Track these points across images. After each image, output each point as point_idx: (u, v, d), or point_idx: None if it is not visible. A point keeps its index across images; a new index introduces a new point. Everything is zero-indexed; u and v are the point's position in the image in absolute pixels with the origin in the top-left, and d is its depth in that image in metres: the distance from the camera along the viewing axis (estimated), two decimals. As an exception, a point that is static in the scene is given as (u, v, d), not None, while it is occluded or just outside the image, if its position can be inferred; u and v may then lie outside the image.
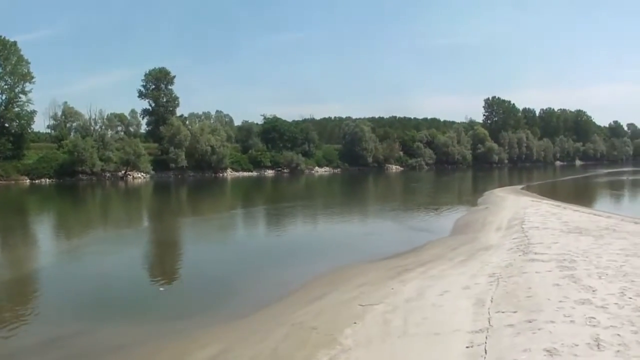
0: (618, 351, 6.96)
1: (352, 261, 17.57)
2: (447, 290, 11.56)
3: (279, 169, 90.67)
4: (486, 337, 7.98)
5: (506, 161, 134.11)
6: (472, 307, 9.78)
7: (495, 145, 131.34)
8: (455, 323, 8.99)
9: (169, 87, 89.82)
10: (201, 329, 10.91)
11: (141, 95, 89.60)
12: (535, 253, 14.38)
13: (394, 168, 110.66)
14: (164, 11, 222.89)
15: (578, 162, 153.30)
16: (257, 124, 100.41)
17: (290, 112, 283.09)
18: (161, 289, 15.35)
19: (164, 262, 20.55)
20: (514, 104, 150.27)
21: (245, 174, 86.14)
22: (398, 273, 14.61)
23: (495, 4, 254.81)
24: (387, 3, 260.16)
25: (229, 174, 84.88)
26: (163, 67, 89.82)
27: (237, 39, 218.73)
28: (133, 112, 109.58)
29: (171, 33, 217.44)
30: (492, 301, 9.92)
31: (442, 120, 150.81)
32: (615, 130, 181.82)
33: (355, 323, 9.86)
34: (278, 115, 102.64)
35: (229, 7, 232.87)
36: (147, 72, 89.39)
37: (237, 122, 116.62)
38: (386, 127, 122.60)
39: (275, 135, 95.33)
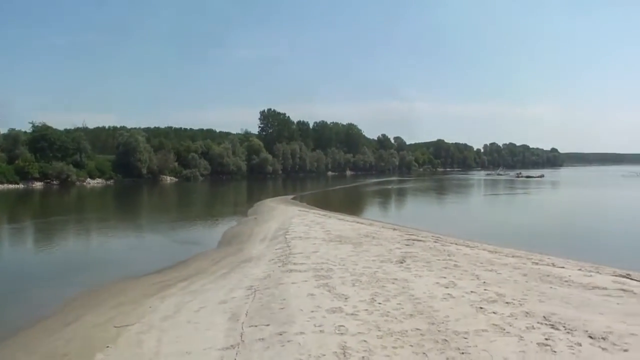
0: (363, 357, 7.22)
1: (113, 279, 16.61)
2: (204, 305, 11.27)
3: (48, 180, 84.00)
4: (236, 354, 7.81)
5: (280, 172, 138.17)
6: (226, 323, 9.59)
7: (270, 156, 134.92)
8: (208, 340, 8.72)
9: None
10: None
11: None
12: (294, 263, 14.68)
13: (169, 179, 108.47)
14: None
15: (349, 173, 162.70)
16: (25, 132, 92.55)
17: (62, 120, 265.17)
18: None
19: None
20: (289, 117, 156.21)
21: (11, 186, 78.48)
22: (158, 289, 14.05)
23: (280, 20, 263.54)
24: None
25: (-11, 187, 76.66)
26: None
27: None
28: None
29: None
30: (246, 315, 9.82)
31: (217, 131, 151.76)
32: (383, 142, 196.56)
33: (108, 347, 9.16)
34: (48, 124, 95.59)
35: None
36: None
37: (3, 130, 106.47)
38: (161, 138, 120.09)
39: (45, 144, 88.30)
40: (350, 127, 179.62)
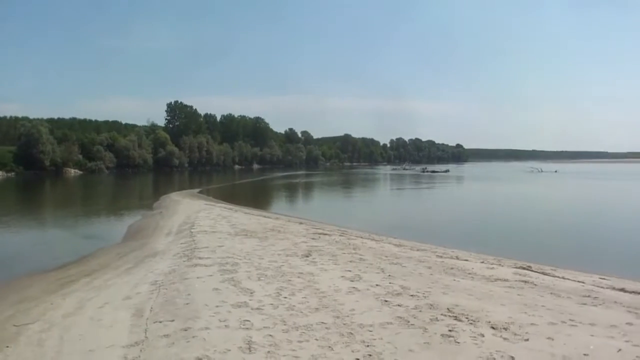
0: (269, 352, 7.17)
1: (13, 275, 15.75)
2: (108, 301, 10.88)
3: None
4: (141, 351, 7.59)
5: (187, 165, 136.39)
6: (130, 319, 9.31)
7: (176, 149, 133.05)
8: (112, 337, 8.41)
9: None
10: None
11: None
12: (200, 258, 14.44)
13: (73, 172, 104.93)
14: None
15: (256, 166, 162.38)
16: None
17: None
18: None
19: None
20: (196, 109, 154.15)
21: None
22: (61, 285, 13.45)
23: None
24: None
25: None
26: None
27: None
28: None
29: None
30: (151, 311, 9.57)
31: (123, 123, 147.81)
32: (290, 136, 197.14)
33: (7, 347, 8.69)
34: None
35: None
36: None
37: None
38: (65, 129, 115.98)
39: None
40: (258, 120, 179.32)
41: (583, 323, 8.67)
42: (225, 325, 8.29)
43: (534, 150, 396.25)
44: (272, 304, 9.44)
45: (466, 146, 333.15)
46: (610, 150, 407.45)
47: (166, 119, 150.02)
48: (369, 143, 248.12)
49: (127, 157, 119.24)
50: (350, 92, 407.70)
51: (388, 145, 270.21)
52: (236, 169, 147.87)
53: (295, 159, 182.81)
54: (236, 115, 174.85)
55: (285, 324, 8.30)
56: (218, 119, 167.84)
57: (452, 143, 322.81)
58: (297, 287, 10.79)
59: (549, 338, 7.76)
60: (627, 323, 8.81)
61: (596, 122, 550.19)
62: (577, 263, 16.87)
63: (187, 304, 9.73)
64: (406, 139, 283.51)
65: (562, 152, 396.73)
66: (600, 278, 14.00)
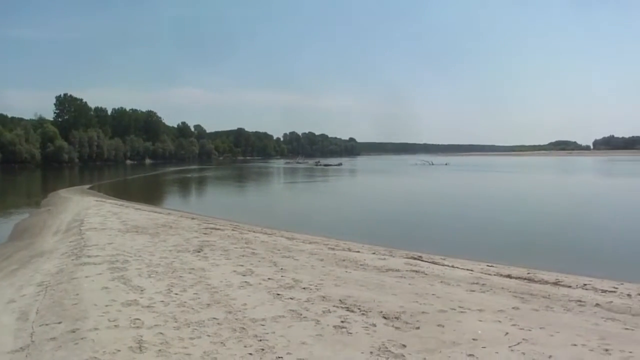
0: (160, 350, 7.00)
1: None
2: (-10, 306, 10.32)
3: None
4: (26, 356, 7.22)
5: (77, 160, 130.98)
6: (15, 323, 8.82)
7: (65, 144, 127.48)
8: (-5, 343, 7.99)
9: None
10: None
11: None
12: (89, 256, 13.87)
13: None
14: None
15: (148, 161, 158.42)
16: None
17: None
18: None
19: None
20: (86, 102, 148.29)
21: None
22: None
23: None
24: None
25: None
26: None
27: None
28: None
29: None
30: (37, 313, 9.13)
31: (9, 116, 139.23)
32: (183, 130, 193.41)
33: None
34: None
35: None
36: None
37: None
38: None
39: None
40: (150, 114, 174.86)
41: (472, 309, 9.05)
42: (115, 325, 8.03)
43: (425, 144, 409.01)
44: (163, 301, 9.23)
45: (359, 140, 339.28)
46: (498, 144, 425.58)
47: (55, 113, 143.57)
48: (263, 137, 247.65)
49: (13, 152, 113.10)
50: (247, 85, 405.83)
51: (282, 139, 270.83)
52: (128, 164, 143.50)
53: (188, 153, 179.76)
54: (128, 109, 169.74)
55: (176, 321, 8.14)
56: (109, 112, 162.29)
57: (345, 137, 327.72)
58: (188, 283, 10.61)
59: (439, 325, 8.03)
60: (513, 307, 9.31)
61: (489, 119, 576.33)
62: (465, 252, 17.57)
63: (75, 304, 9.34)
64: (299, 133, 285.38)
65: (453, 145, 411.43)
66: (487, 265, 14.72)
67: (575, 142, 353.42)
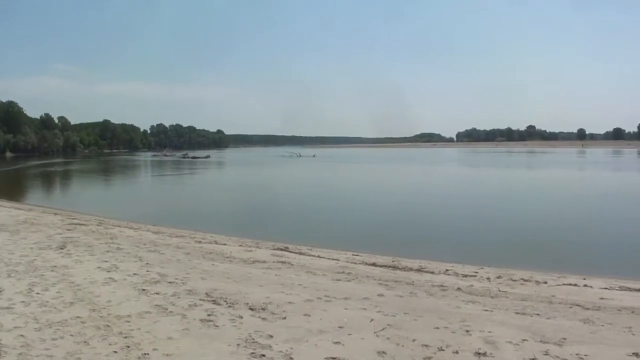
0: (20, 354, 6.60)
1: None
2: None
3: None
4: None
5: None
6: None
7: None
8: None
9: None
10: None
11: None
12: None
13: None
14: None
15: (9, 154, 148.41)
16: None
17: None
18: None
19: None
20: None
21: None
22: None
23: None
24: None
25: None
26: None
27: None
28: None
29: None
30: None
31: None
32: (46, 122, 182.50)
33: None
34: None
35: None
36: None
37: None
38: None
39: None
40: (11, 104, 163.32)
41: (337, 298, 9.31)
42: (-30, 330, 7.53)
43: (293, 136, 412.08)
44: (23, 302, 8.71)
45: (227, 132, 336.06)
46: (365, 136, 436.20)
47: None
48: (129, 129, 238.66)
49: None
50: (113, 76, 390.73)
51: (148, 131, 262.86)
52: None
53: (52, 146, 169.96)
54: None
55: (37, 322, 7.72)
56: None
57: (213, 129, 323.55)
58: (50, 281, 10.08)
59: (305, 314, 8.19)
60: (378, 295, 9.68)
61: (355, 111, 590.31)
62: (332, 242, 17.98)
63: None
64: (167, 124, 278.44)
65: (319, 137, 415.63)
66: (353, 255, 15.17)
67: (439, 135, 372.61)
